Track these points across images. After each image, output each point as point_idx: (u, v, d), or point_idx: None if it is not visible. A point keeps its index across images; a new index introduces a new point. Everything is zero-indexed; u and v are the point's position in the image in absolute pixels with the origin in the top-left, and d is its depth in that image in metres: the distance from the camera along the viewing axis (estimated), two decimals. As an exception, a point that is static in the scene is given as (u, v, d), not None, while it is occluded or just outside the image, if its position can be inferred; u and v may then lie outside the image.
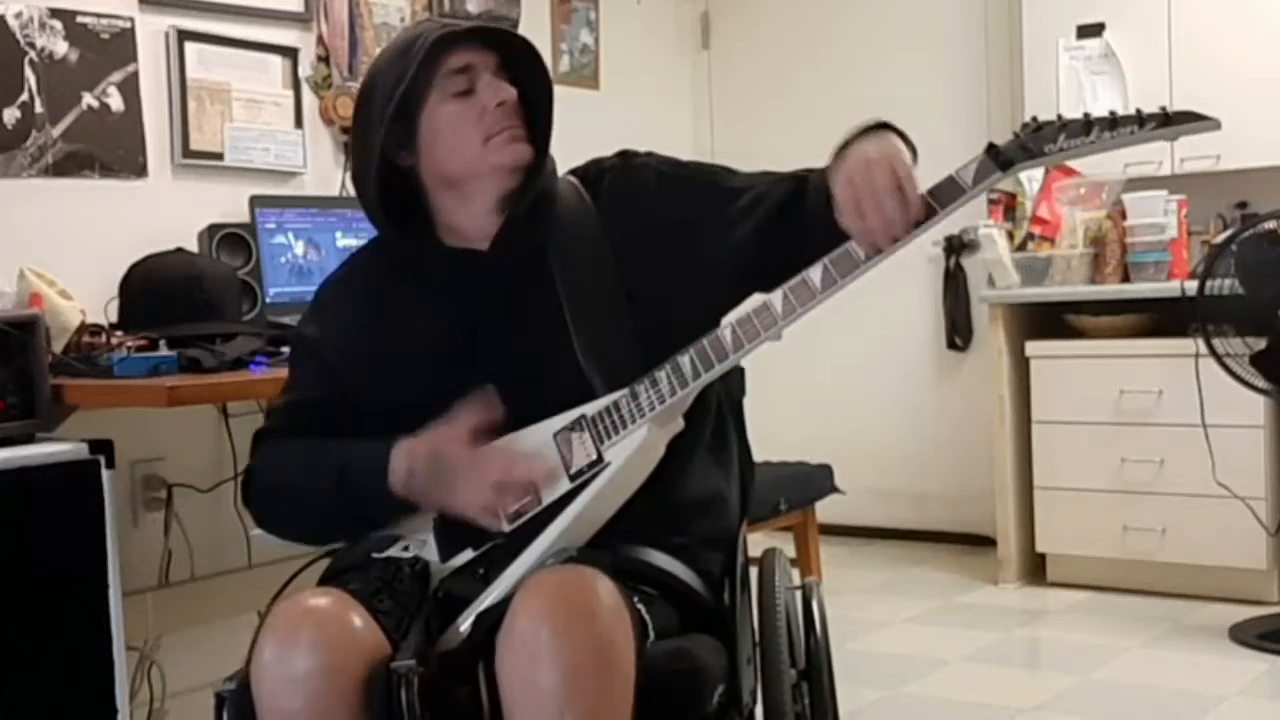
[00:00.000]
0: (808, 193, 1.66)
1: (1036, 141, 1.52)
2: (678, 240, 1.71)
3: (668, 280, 1.70)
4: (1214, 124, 1.48)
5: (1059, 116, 1.53)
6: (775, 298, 1.57)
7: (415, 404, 1.68)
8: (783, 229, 1.66)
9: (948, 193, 1.55)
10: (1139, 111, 1.50)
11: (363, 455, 1.68)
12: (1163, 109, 1.49)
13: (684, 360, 1.60)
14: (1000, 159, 1.53)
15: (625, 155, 1.81)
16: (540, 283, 1.70)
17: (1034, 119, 1.55)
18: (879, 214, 1.52)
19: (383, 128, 1.67)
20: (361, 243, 1.91)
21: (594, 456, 1.61)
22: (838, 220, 1.55)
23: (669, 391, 1.60)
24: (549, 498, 1.62)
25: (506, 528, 1.62)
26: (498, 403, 1.65)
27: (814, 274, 1.56)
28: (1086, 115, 1.51)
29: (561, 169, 1.81)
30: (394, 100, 1.66)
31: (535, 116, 1.75)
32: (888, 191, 1.52)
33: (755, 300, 1.61)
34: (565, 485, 1.62)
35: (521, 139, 1.71)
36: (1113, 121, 1.49)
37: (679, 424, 1.66)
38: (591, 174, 1.80)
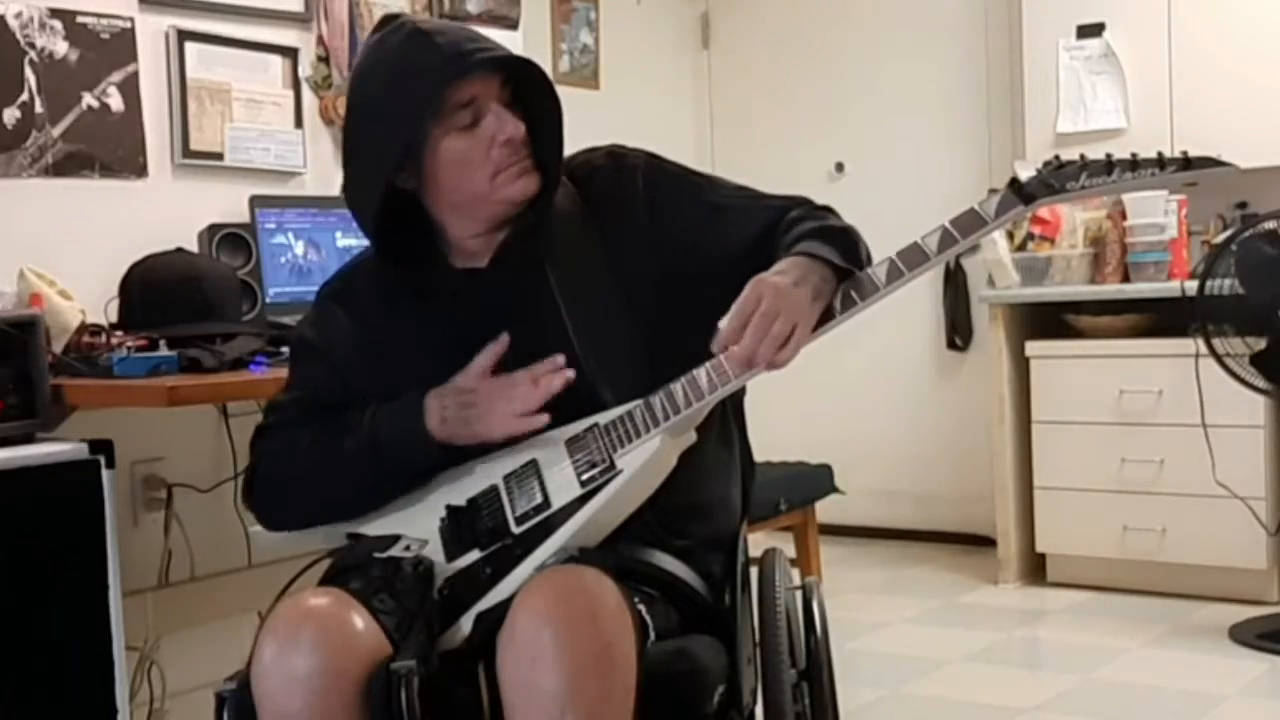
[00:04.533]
0: (780, 231, 1.69)
1: (1059, 179, 1.58)
2: (664, 247, 1.71)
3: (659, 285, 1.70)
4: (1233, 169, 1.55)
5: (1081, 156, 1.59)
6: None
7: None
8: (758, 258, 1.66)
9: (970, 224, 1.59)
10: (1160, 154, 1.55)
11: (391, 408, 1.68)
12: (1184, 153, 1.55)
13: (700, 374, 1.61)
14: (1023, 193, 1.58)
15: (615, 155, 1.79)
16: (540, 296, 1.70)
17: (1056, 157, 1.60)
18: (752, 346, 1.53)
19: (388, 163, 1.64)
20: (362, 243, 1.90)
21: (606, 463, 1.62)
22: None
23: (684, 403, 1.61)
24: (559, 501, 1.62)
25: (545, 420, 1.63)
26: (504, 341, 1.66)
27: (834, 300, 1.59)
28: (1108, 156, 1.57)
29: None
30: (399, 139, 1.62)
31: (543, 137, 1.71)
32: (775, 340, 1.53)
33: None
34: (576, 490, 1.62)
35: (529, 171, 1.69)
36: (1134, 163, 1.55)
37: (691, 436, 1.66)
38: (581, 173, 1.78)
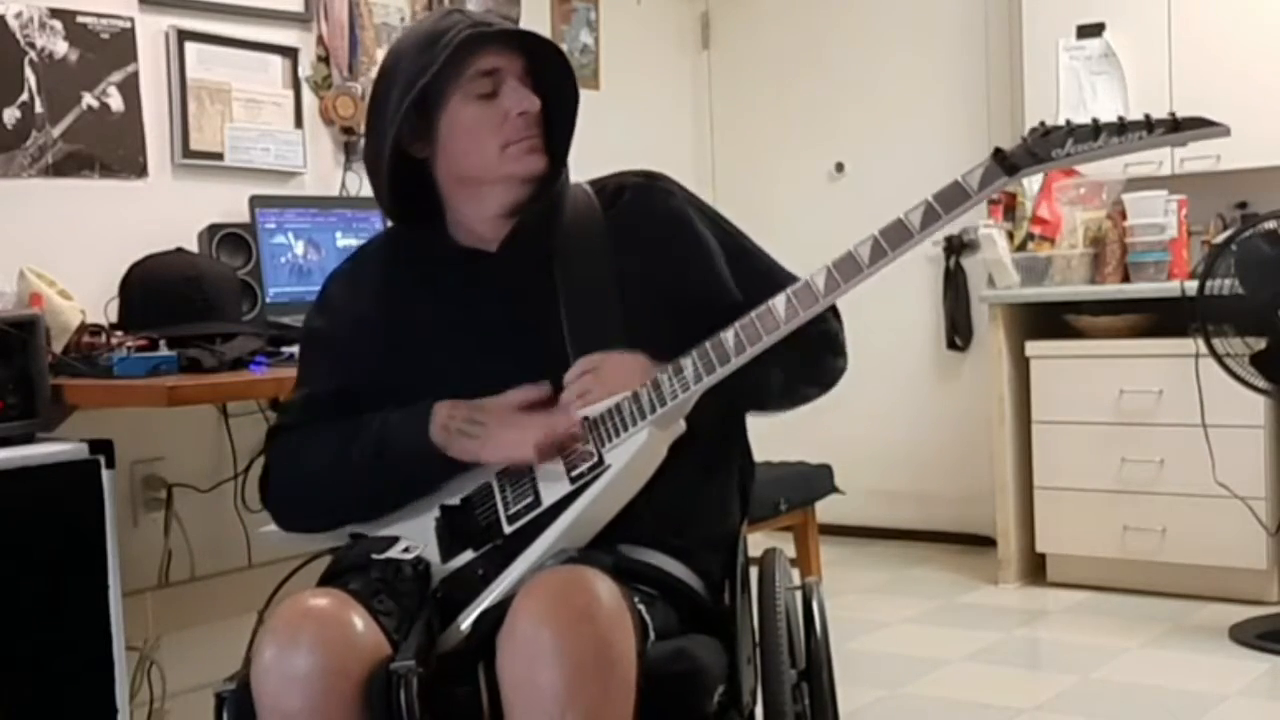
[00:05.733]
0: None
1: (1043, 147, 1.53)
2: (674, 281, 1.73)
3: (662, 309, 1.71)
4: (1223, 130, 1.48)
5: (1067, 121, 1.53)
6: (779, 301, 1.58)
7: (421, 398, 1.68)
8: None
9: (953, 197, 1.55)
10: (1147, 117, 1.50)
11: (400, 415, 1.69)
12: (1171, 114, 1.49)
13: (686, 363, 1.60)
14: (1006, 164, 1.54)
15: (651, 176, 1.81)
16: (543, 289, 1.71)
17: (1041, 124, 1.55)
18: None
19: (399, 116, 1.67)
20: (363, 242, 1.91)
21: (595, 459, 1.61)
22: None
23: (670, 394, 1.60)
24: (549, 499, 1.62)
25: (546, 466, 1.63)
26: (547, 388, 1.66)
27: (818, 279, 1.58)
28: (1095, 121, 1.51)
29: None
30: (414, 91, 1.65)
31: (557, 125, 1.74)
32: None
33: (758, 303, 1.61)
34: (566, 487, 1.62)
35: (539, 150, 1.71)
36: (1121, 127, 1.50)
37: (681, 426, 1.66)
38: (611, 188, 1.80)
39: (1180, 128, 1.49)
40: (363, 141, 1.82)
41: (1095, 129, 1.50)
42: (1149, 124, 1.49)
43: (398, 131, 1.68)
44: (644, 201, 1.78)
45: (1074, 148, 1.51)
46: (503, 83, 1.69)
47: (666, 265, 1.73)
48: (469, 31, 1.65)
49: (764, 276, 1.73)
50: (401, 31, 1.82)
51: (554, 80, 1.74)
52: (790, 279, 1.68)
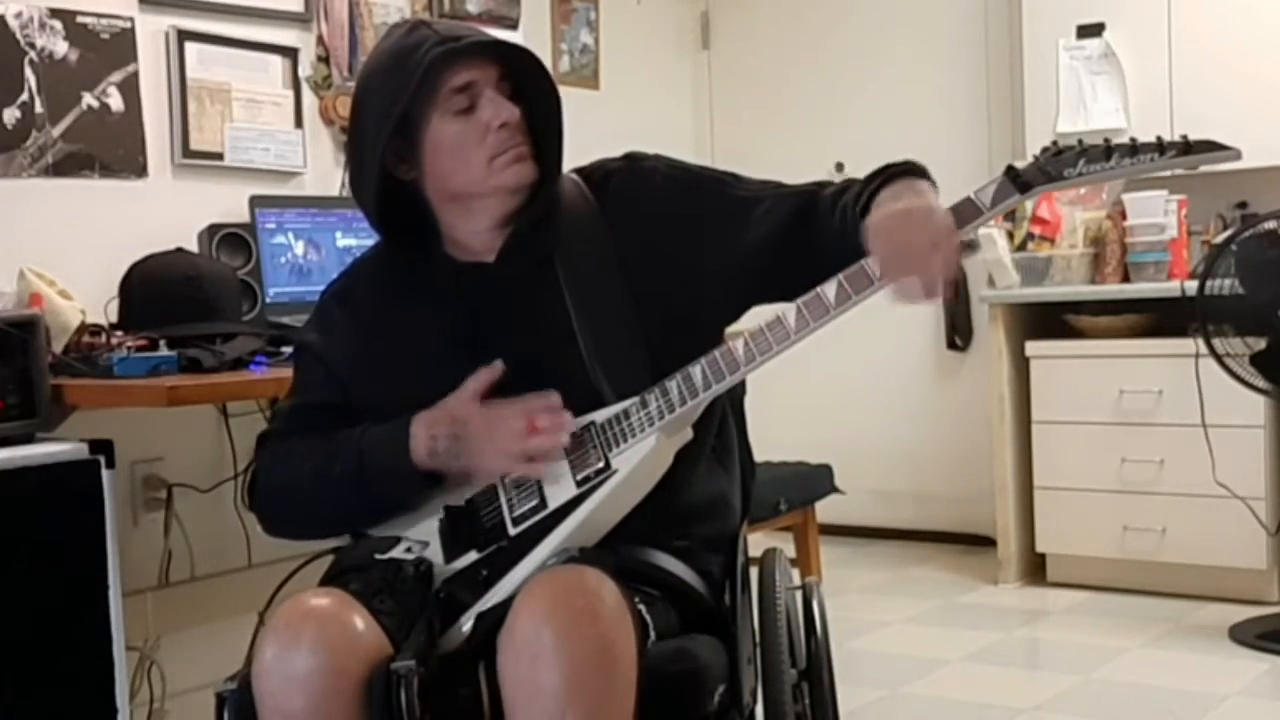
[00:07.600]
0: (819, 210, 1.66)
1: (1056, 166, 1.55)
2: (683, 246, 1.71)
3: (674, 285, 1.69)
4: (1234, 154, 1.52)
5: (1079, 141, 1.55)
6: (789, 312, 1.58)
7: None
8: (791, 245, 1.66)
9: (965, 213, 1.56)
10: (1159, 139, 1.52)
11: (380, 435, 1.68)
12: (1184, 137, 1.52)
13: (695, 371, 1.60)
14: (1019, 181, 1.55)
15: (632, 158, 1.80)
16: (546, 291, 1.70)
17: (1054, 143, 1.57)
18: (926, 272, 1.49)
19: (380, 144, 1.66)
20: (362, 243, 1.91)
21: (601, 464, 1.61)
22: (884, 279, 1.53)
23: (679, 401, 1.60)
24: (555, 502, 1.62)
25: (546, 471, 1.62)
26: (499, 367, 1.65)
27: (829, 290, 1.57)
28: (1107, 141, 1.53)
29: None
30: (391, 118, 1.64)
31: (541, 128, 1.72)
32: (930, 249, 1.49)
33: (769, 313, 1.61)
34: (572, 490, 1.62)
35: (526, 158, 1.69)
36: (1133, 148, 1.52)
37: (687, 434, 1.66)
38: (597, 175, 1.78)
39: (1191, 150, 1.51)
40: (348, 162, 1.80)
41: (1107, 150, 1.53)
42: (1160, 146, 1.52)
43: (382, 158, 1.67)
44: (633, 183, 1.76)
45: (1086, 168, 1.53)
46: (479, 95, 1.66)
47: (671, 238, 1.71)
48: (439, 49, 1.63)
49: (772, 211, 1.69)
50: (370, 53, 1.79)
51: (531, 84, 1.72)
52: (799, 193, 1.68)
